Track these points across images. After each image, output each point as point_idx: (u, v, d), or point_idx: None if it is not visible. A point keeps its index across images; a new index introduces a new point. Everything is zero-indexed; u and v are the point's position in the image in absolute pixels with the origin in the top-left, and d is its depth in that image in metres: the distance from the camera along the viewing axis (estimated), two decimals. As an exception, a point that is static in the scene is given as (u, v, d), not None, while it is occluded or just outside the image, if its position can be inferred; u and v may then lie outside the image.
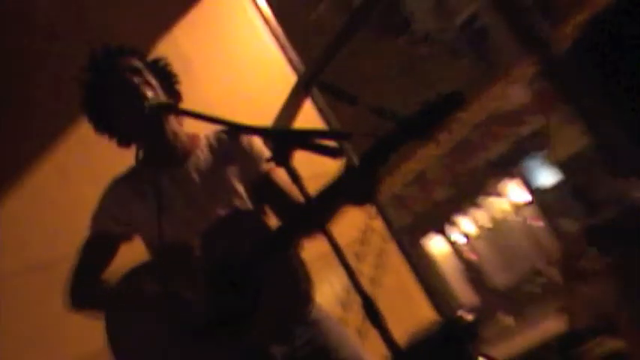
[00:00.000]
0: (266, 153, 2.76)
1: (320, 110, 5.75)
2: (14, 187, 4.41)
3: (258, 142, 2.82)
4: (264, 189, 2.78)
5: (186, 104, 2.89)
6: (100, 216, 2.82)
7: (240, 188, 2.77)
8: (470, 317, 3.93)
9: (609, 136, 3.90)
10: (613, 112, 3.17)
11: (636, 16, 2.77)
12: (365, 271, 4.30)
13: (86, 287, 2.79)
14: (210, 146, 2.86)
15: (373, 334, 2.30)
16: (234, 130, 2.72)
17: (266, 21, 5.94)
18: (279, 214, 2.78)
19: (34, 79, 4.48)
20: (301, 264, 2.63)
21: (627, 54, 2.76)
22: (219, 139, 2.87)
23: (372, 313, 2.22)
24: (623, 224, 3.06)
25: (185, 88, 2.89)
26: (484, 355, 3.86)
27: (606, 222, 3.14)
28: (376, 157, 2.39)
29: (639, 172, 3.23)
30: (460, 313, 4.32)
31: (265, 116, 5.29)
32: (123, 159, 2.87)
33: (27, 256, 3.99)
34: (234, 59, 5.67)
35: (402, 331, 2.25)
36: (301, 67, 5.89)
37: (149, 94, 2.70)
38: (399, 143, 2.36)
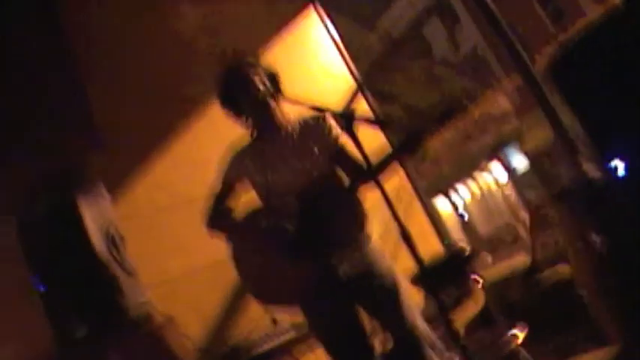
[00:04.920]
0: (339, 133, 2.79)
1: (369, 103, 5.76)
2: (171, 147, 4.57)
3: (334, 125, 2.82)
4: (339, 157, 2.77)
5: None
6: (229, 171, 2.85)
7: (321, 157, 2.76)
8: (469, 249, 3.96)
9: (570, 131, 3.87)
10: (574, 112, 3.15)
11: (588, 50, 2.80)
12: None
13: (218, 216, 2.84)
14: (300, 126, 2.83)
15: (402, 256, 2.29)
16: (318, 112, 2.70)
17: (335, 42, 5.95)
18: (347, 173, 2.78)
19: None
20: (361, 206, 2.73)
21: (582, 74, 2.79)
22: (305, 121, 2.85)
23: (407, 239, 2.27)
24: (580, 191, 3.06)
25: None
26: (475, 273, 3.88)
27: (572, 188, 3.12)
28: (419, 135, 2.51)
29: (592, 157, 3.21)
30: (463, 245, 4.33)
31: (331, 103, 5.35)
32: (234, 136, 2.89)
33: (177, 193, 4.08)
34: (312, 65, 5.71)
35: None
36: (357, 74, 5.89)
37: (261, 86, 2.72)
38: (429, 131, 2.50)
